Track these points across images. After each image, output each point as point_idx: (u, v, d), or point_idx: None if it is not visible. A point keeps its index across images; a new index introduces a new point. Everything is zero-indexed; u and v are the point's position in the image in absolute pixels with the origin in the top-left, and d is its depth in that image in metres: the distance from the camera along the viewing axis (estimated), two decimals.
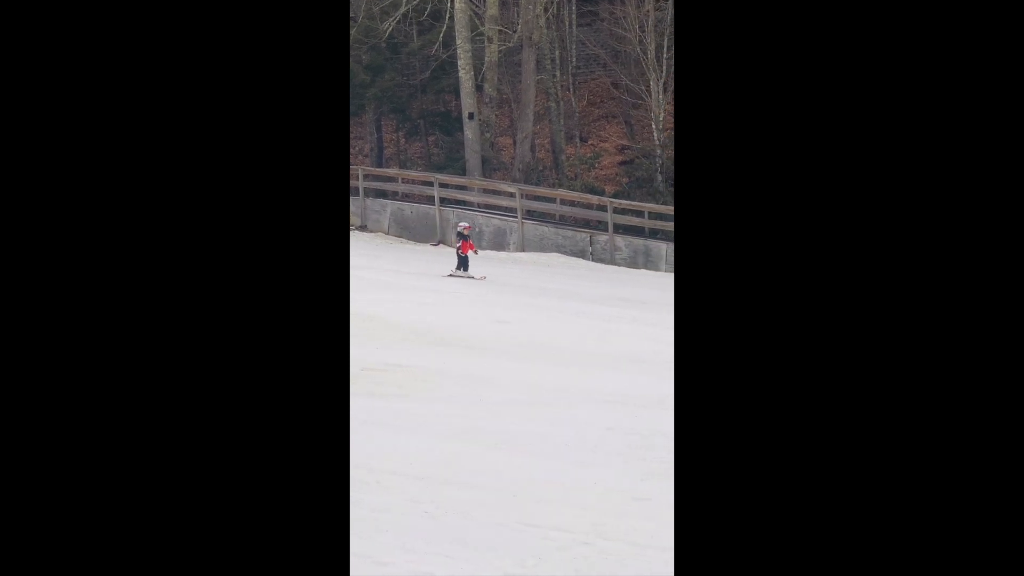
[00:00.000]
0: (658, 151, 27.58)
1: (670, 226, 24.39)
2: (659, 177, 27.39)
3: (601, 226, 25.02)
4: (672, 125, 28.22)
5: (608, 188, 27.47)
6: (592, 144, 30.63)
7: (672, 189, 26.45)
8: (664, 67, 26.93)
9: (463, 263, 18.99)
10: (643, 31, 26.63)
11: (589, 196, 25.82)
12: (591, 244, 24.83)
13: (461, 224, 20.17)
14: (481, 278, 18.53)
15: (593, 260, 24.36)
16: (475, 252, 19.38)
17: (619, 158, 29.36)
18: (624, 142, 29.60)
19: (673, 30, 26.30)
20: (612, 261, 24.30)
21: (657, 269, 23.25)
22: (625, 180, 28.01)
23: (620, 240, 24.17)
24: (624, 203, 25.05)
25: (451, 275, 18.71)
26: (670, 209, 24.71)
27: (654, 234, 24.75)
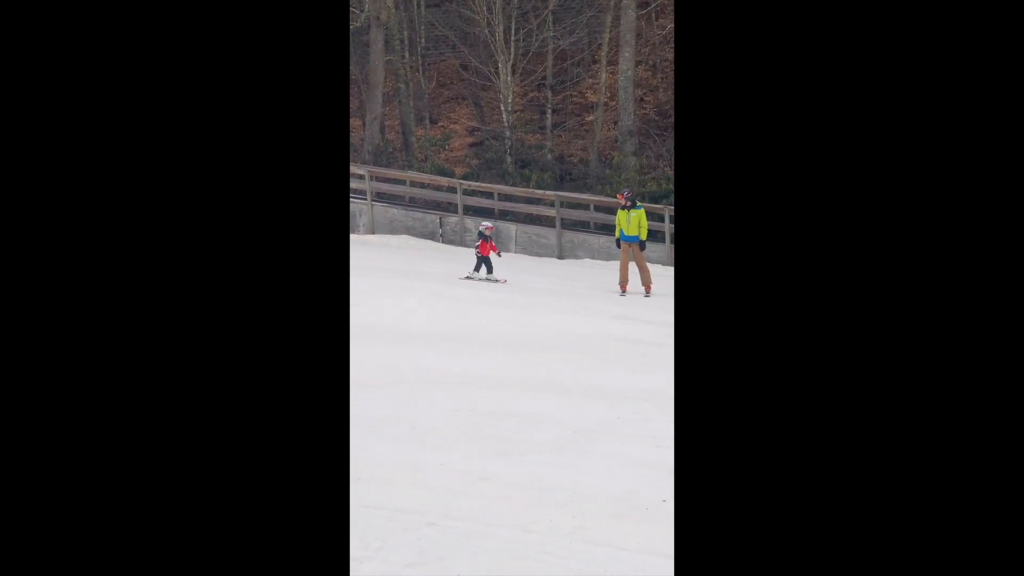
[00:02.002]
0: (507, 133, 27.61)
1: (519, 208, 24.47)
2: (508, 159, 27.43)
3: (451, 208, 24.98)
4: (521, 106, 28.29)
5: (458, 170, 27.43)
6: (442, 126, 30.55)
7: (521, 171, 26.54)
8: (512, 49, 26.97)
9: (484, 264, 17.64)
10: (491, 13, 26.60)
11: (439, 178, 25.74)
12: (441, 226, 24.76)
13: (484, 224, 18.55)
14: (502, 281, 17.41)
15: (443, 242, 24.30)
16: (498, 254, 18.19)
17: (469, 140, 29.36)
18: (474, 124, 29.58)
19: (517, 13, 26.35)
20: (462, 243, 24.27)
21: (507, 250, 23.28)
22: (475, 162, 28.02)
23: (470, 222, 24.14)
24: (474, 185, 25.04)
25: (467, 277, 17.47)
26: (519, 191, 24.79)
27: (504, 215, 24.80)
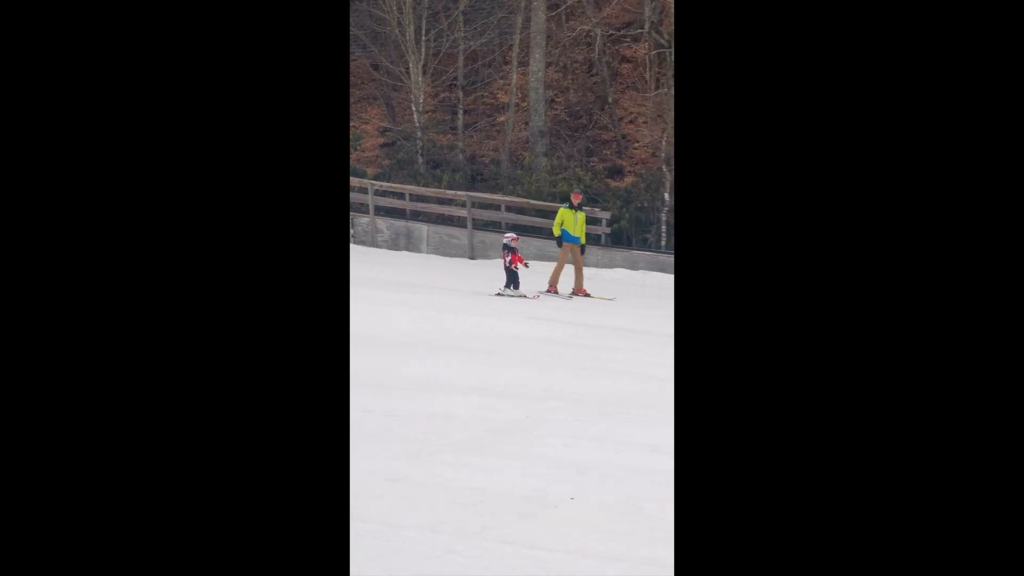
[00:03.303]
0: (418, 133, 27.56)
1: (431, 208, 24.45)
2: (420, 159, 27.40)
3: (363, 208, 24.88)
4: (432, 107, 28.26)
5: (369, 170, 27.32)
6: (353, 126, 30.38)
7: (433, 171, 26.51)
8: (423, 49, 26.92)
9: (513, 279, 16.90)
10: (401, 13, 26.54)
11: (351, 178, 25.61)
12: (353, 227, 24.65)
13: (508, 236, 17.60)
14: (535, 297, 16.80)
15: (355, 243, 24.21)
16: (526, 266, 17.25)
17: (380, 140, 29.25)
18: (385, 124, 29.47)
19: (427, 13, 26.31)
20: (374, 243, 24.20)
21: (419, 251, 23.26)
22: (386, 162, 27.92)
23: (382, 222, 24.07)
24: (385, 185, 24.96)
25: (499, 294, 16.77)
26: (430, 191, 24.77)
27: (415, 216, 24.76)
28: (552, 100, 27.39)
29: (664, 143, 23.83)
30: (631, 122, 26.24)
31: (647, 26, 25.34)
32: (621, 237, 23.80)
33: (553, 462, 7.08)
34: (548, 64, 26.93)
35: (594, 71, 27.19)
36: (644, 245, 23.60)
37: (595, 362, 11.34)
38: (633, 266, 22.40)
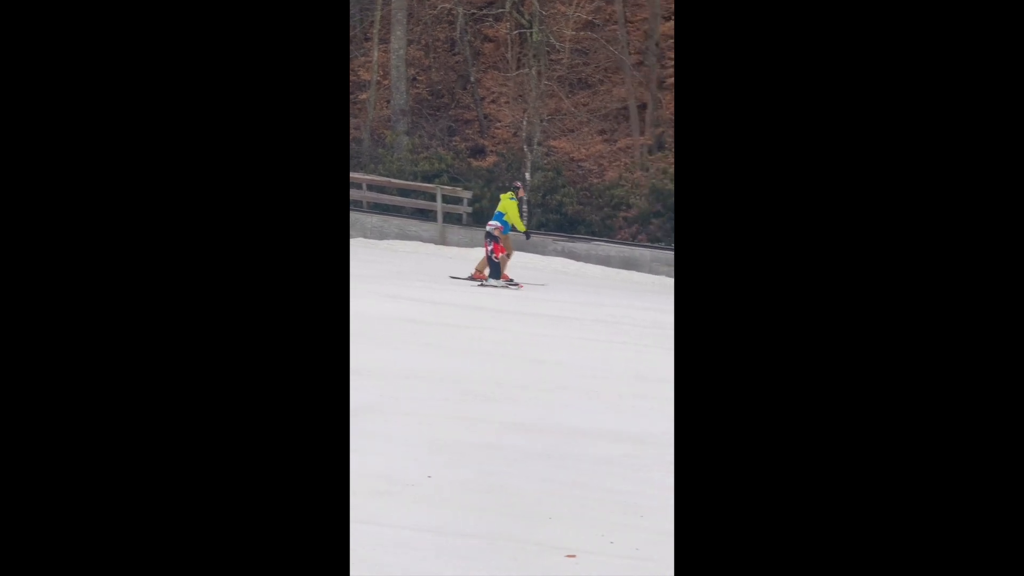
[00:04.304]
0: None
1: None
2: None
3: None
4: None
5: None
6: None
7: None
8: None
9: (495, 270, 16.37)
10: None
11: None
12: None
13: (491, 224, 16.80)
14: (519, 287, 16.28)
15: None
16: (507, 255, 16.73)
17: None
18: None
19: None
20: None
21: None
22: None
23: None
24: None
25: (482, 284, 16.25)
26: None
27: None
28: (414, 79, 27.33)
29: (525, 123, 24.00)
30: (493, 102, 26.34)
31: (508, 5, 25.44)
32: (482, 217, 23.91)
33: (410, 441, 7.14)
34: (410, 42, 26.86)
35: (456, 50, 27.21)
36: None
37: (454, 341, 11.41)
38: None
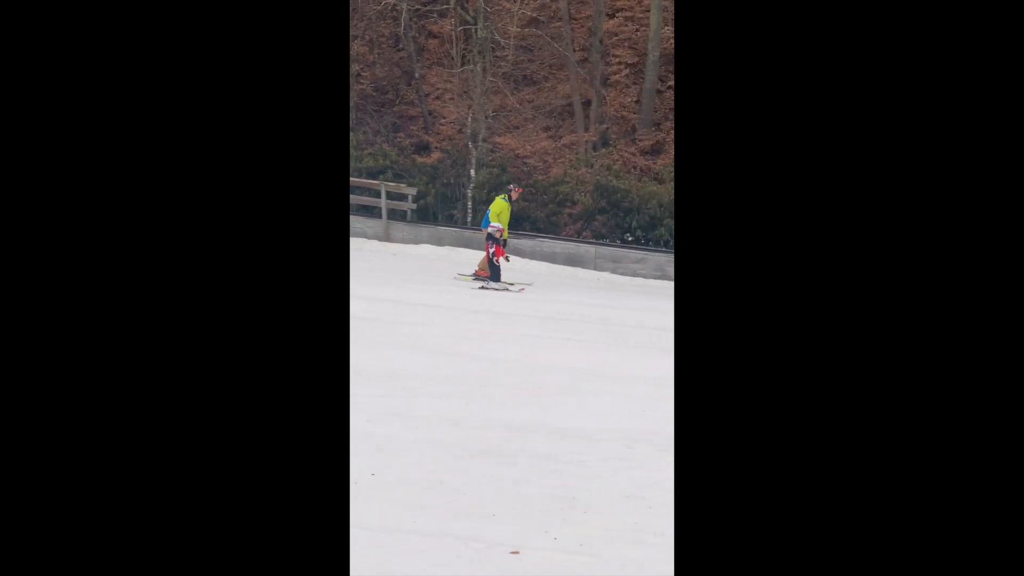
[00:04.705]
0: None
1: None
2: None
3: None
4: None
5: None
6: None
7: None
8: None
9: (495, 273, 16.09)
10: None
11: None
12: None
13: (494, 226, 16.53)
14: (520, 290, 16.05)
15: None
16: (507, 259, 16.58)
17: None
18: None
19: None
20: None
21: None
22: None
23: None
24: None
25: (483, 287, 16.03)
26: None
27: None
28: (358, 74, 27.18)
29: (470, 119, 23.96)
30: (437, 98, 26.26)
31: (453, 2, 25.38)
32: (427, 213, 23.85)
33: (353, 438, 7.07)
34: (354, 38, 26.71)
35: (400, 46, 27.10)
36: (450, 221, 23.71)
37: (395, 337, 11.36)
38: (439, 242, 22.49)
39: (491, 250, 16.46)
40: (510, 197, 17.20)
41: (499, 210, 16.88)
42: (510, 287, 16.52)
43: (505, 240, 16.95)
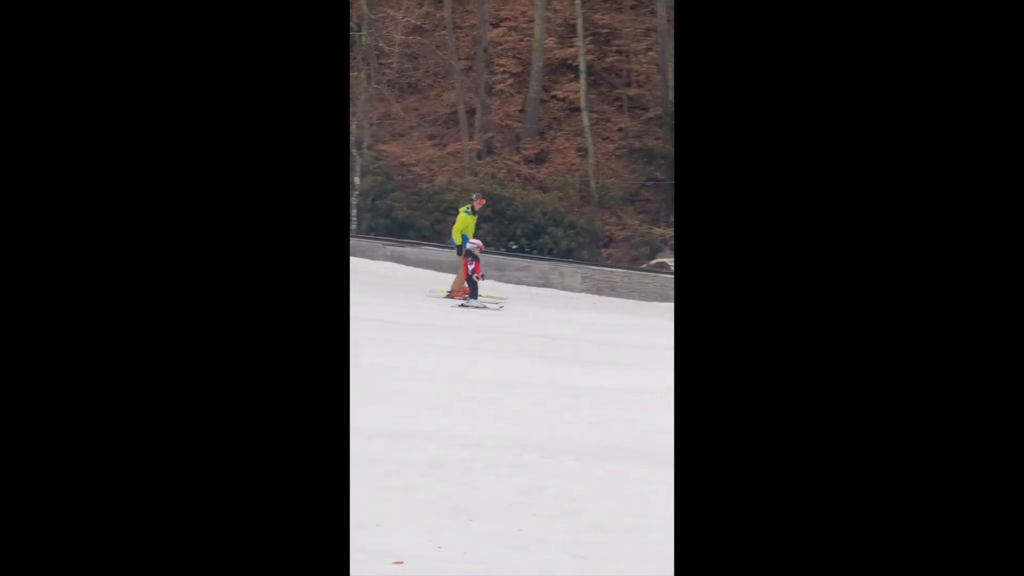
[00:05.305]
0: None
1: None
2: None
3: None
4: None
5: None
6: None
7: None
8: None
9: (475, 290, 15.71)
10: None
11: None
12: None
13: (473, 242, 16.19)
14: (498, 307, 15.66)
15: None
16: (481, 277, 16.11)
17: None
18: None
19: None
20: None
21: None
22: None
23: None
24: None
25: (463, 305, 15.61)
26: None
27: None
28: None
29: (355, 126, 23.82)
30: None
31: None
32: None
33: None
34: None
35: None
36: None
37: None
38: None
39: (470, 267, 16.14)
40: (473, 208, 16.89)
41: (464, 225, 16.56)
42: (488, 304, 16.23)
43: (459, 248, 16.69)
